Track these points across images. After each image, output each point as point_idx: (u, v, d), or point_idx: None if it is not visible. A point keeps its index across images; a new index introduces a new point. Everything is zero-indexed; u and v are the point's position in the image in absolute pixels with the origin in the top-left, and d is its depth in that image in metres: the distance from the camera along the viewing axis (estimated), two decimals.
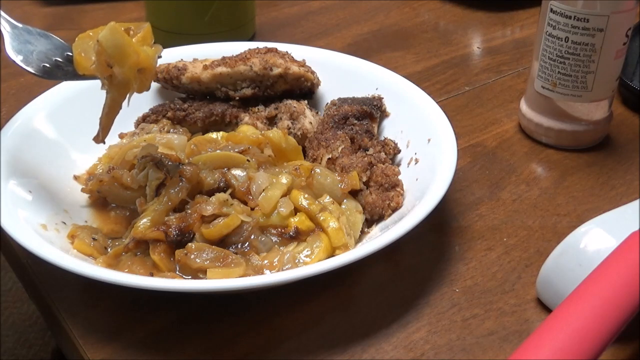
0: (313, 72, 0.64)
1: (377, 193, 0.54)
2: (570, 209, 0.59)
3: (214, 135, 0.61)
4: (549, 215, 0.58)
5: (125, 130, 0.63)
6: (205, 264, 0.48)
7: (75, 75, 0.50)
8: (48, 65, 0.52)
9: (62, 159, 0.59)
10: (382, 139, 0.62)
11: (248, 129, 0.61)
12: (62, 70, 0.52)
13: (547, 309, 0.49)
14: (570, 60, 0.61)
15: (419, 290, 0.51)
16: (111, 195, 0.56)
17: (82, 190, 0.57)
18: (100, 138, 0.52)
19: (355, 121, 0.60)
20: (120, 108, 0.51)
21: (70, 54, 0.51)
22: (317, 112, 0.64)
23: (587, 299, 0.39)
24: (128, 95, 0.50)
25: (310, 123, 0.62)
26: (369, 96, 0.64)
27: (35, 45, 0.53)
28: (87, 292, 0.50)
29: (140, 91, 0.50)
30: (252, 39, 0.85)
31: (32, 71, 0.52)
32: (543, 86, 0.64)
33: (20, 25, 0.53)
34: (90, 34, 0.50)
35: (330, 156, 0.57)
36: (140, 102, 0.65)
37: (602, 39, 0.59)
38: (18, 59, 0.52)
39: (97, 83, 0.64)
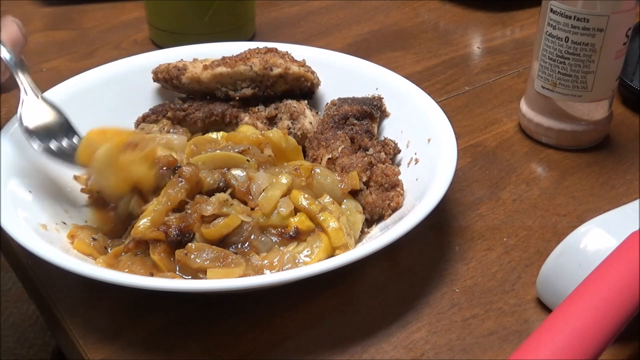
0: (313, 72, 0.64)
1: (377, 193, 0.54)
2: (570, 209, 0.59)
3: (214, 135, 0.61)
4: (549, 215, 0.58)
5: None
6: (205, 264, 0.48)
7: (72, 162, 0.53)
8: (52, 147, 0.54)
9: None
10: (382, 139, 0.62)
11: (248, 129, 0.61)
12: (62, 151, 0.54)
13: (547, 309, 0.49)
14: (570, 60, 0.61)
15: (419, 290, 0.51)
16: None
17: (82, 190, 0.57)
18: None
19: (355, 121, 0.60)
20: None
21: (75, 139, 0.55)
22: (317, 112, 0.64)
23: (587, 299, 0.39)
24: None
25: (310, 123, 0.62)
26: (369, 96, 0.64)
27: (45, 118, 0.55)
28: (87, 292, 0.50)
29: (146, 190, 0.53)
30: (252, 39, 0.85)
31: (35, 147, 0.54)
32: (543, 86, 0.64)
33: (39, 94, 0.56)
34: (105, 133, 0.53)
35: (330, 156, 0.57)
36: (140, 102, 0.65)
37: (602, 39, 0.59)
38: (26, 129, 0.54)
39: (100, 81, 0.66)
